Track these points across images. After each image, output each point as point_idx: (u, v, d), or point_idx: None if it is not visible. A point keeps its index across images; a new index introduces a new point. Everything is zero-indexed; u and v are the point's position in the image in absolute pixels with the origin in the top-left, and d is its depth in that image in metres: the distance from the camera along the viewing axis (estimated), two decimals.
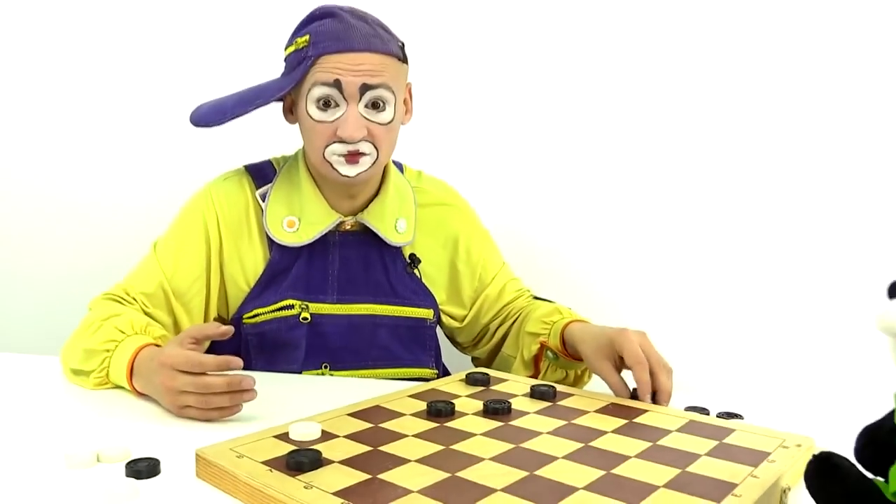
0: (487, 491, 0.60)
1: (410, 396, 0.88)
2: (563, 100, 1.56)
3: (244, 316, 1.11)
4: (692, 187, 1.52)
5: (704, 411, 0.90)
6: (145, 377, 0.90)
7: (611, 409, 0.84)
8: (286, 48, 1.07)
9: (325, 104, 1.01)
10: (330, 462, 0.67)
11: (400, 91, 1.06)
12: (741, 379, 1.46)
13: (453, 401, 0.84)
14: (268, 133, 1.33)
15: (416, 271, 1.17)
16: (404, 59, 1.07)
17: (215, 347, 1.09)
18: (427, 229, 1.19)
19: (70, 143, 1.68)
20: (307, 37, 1.02)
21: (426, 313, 1.17)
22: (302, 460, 0.65)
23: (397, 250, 1.16)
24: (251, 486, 0.63)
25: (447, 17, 1.58)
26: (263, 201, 1.11)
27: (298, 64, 1.02)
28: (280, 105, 1.11)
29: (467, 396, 0.89)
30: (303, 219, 1.10)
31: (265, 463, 0.66)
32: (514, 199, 1.60)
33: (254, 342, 1.12)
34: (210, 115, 1.05)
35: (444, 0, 1.57)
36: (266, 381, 1.00)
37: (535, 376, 1.11)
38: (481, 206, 1.29)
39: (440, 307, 1.20)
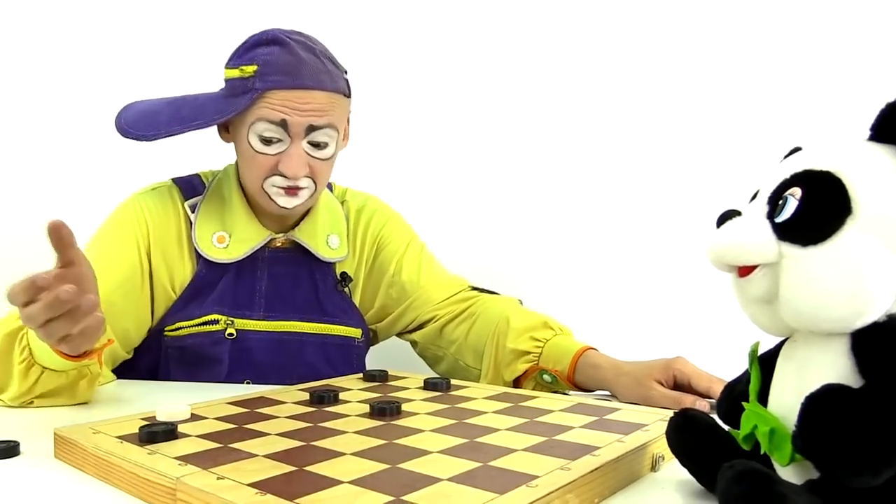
0: (332, 482, 0.53)
1: (300, 390, 0.86)
2: (504, 99, 1.58)
3: (166, 328, 1.07)
4: (665, 188, 1.52)
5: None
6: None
7: (502, 396, 0.82)
8: (228, 68, 1.03)
9: (268, 140, 1.00)
10: (185, 436, 0.65)
11: (342, 125, 1.06)
12: None
13: (341, 393, 0.82)
14: (197, 141, 1.32)
15: (346, 290, 1.16)
16: (349, 94, 1.06)
17: (135, 360, 1.08)
18: (354, 238, 1.19)
19: None
20: (254, 67, 0.99)
21: (354, 332, 1.15)
22: (155, 431, 0.63)
23: (328, 267, 1.15)
24: (97, 458, 0.61)
25: (395, 24, 1.61)
26: (193, 212, 1.09)
27: (243, 93, 1.00)
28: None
29: (359, 389, 0.86)
30: (233, 235, 1.08)
31: (119, 437, 0.64)
32: (455, 203, 1.60)
33: (174, 355, 1.08)
34: (140, 127, 1.02)
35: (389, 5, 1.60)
36: (181, 389, 0.99)
37: None
38: (422, 213, 1.29)
39: (369, 324, 1.19)
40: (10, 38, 1.63)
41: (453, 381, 0.89)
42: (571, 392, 0.99)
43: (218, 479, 0.53)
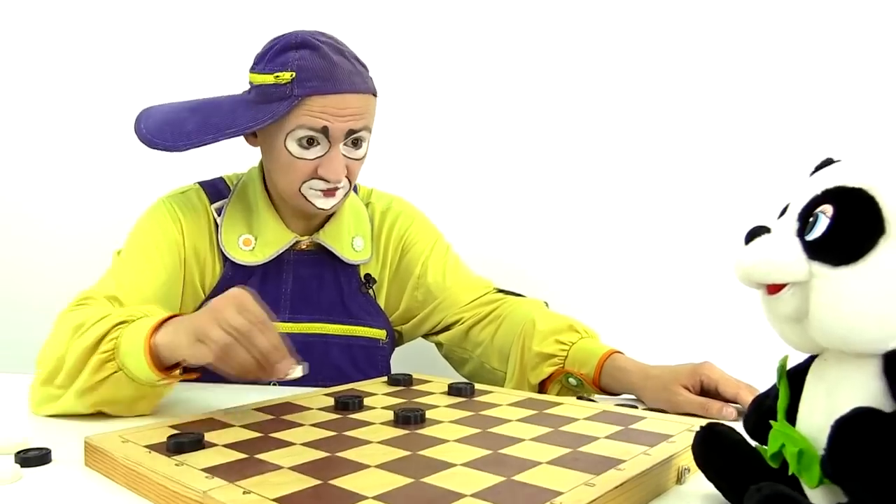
0: (357, 497, 0.53)
1: (325, 394, 0.86)
2: (530, 100, 1.57)
3: None
4: (667, 184, 1.51)
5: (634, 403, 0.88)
6: (178, 325, 0.80)
7: (526, 403, 0.82)
8: (259, 73, 1.01)
9: (309, 141, 1.00)
10: (213, 445, 0.65)
11: (373, 125, 1.07)
12: None
13: (365, 399, 0.82)
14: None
15: (370, 291, 1.16)
16: (376, 92, 1.06)
17: None
18: (378, 240, 1.19)
19: None
20: (291, 73, 0.98)
21: (379, 334, 1.15)
22: (182, 441, 0.64)
23: (352, 269, 1.15)
24: (127, 468, 0.62)
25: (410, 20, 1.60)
26: (219, 216, 1.10)
27: (279, 99, 0.98)
28: None
29: (383, 394, 0.87)
30: (259, 238, 1.09)
31: (147, 446, 0.65)
32: (480, 203, 1.59)
33: None
34: (167, 137, 1.01)
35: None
36: (209, 390, 0.99)
37: None
38: (447, 214, 1.28)
39: (395, 325, 1.20)
40: (15, 39, 1.65)
41: (477, 386, 0.89)
42: (597, 396, 0.98)
43: (244, 493, 0.53)
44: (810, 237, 0.45)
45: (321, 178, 1.02)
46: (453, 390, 0.86)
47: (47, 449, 0.70)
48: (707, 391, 0.88)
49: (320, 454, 0.63)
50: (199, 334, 0.76)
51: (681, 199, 1.51)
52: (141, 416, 0.86)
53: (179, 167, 1.24)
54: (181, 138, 1.01)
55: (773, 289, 0.48)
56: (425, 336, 1.22)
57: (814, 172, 0.51)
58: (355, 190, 1.22)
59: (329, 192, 1.04)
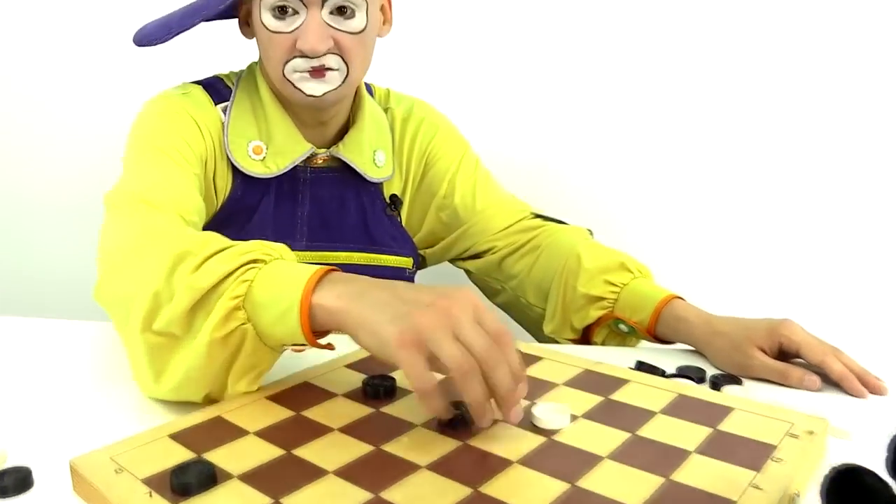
0: None
1: (348, 366, 0.74)
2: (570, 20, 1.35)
3: None
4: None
5: (700, 373, 0.77)
6: (351, 288, 0.59)
7: (583, 379, 0.70)
8: None
9: (282, 10, 0.83)
10: (227, 477, 0.54)
11: None
12: None
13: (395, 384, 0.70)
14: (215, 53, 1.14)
15: (396, 214, 1.01)
16: None
17: None
18: (400, 152, 1.03)
19: None
20: None
21: (405, 262, 1.02)
22: (188, 482, 0.52)
23: (375, 188, 1.00)
24: None
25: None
26: (225, 116, 0.92)
27: None
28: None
29: None
30: (270, 146, 0.92)
31: (146, 481, 0.53)
32: (508, 124, 1.41)
33: None
34: (153, 33, 0.88)
35: None
36: None
37: (577, 342, 0.95)
38: (470, 132, 1.11)
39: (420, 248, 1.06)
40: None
41: (525, 350, 0.76)
42: (652, 346, 0.87)
43: None
44: None
45: (302, 55, 0.84)
46: None
47: (27, 469, 0.58)
48: (786, 354, 0.77)
49: (357, 492, 0.51)
50: (413, 329, 0.53)
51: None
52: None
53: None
54: (163, 31, 0.86)
55: None
56: (452, 261, 1.09)
57: None
58: (369, 91, 1.03)
59: (316, 73, 0.86)
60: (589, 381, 0.70)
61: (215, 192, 0.92)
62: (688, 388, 0.68)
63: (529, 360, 0.75)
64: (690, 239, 1.39)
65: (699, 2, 1.31)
